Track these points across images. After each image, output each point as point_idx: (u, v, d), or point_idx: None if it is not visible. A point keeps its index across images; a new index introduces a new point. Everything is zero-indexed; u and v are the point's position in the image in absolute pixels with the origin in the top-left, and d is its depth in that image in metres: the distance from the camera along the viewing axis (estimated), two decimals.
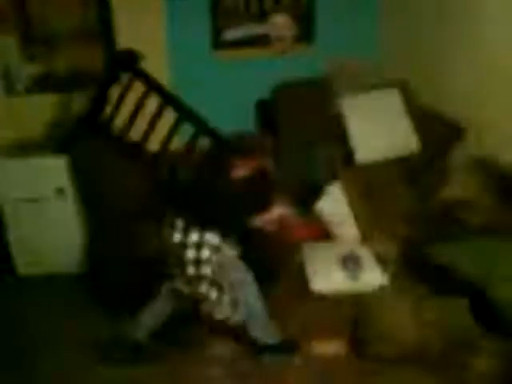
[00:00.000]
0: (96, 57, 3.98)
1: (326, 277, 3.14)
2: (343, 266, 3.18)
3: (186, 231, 2.47)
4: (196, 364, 2.66)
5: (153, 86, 3.35)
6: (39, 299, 3.33)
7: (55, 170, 3.42)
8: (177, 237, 2.49)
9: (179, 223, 2.50)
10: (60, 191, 3.44)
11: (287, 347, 2.64)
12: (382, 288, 3.05)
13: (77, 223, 3.53)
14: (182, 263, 2.47)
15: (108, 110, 3.39)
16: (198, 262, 2.45)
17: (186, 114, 3.41)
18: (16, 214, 3.46)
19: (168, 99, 3.38)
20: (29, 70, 3.85)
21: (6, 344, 2.92)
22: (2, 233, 3.52)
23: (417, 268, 3.07)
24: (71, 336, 2.92)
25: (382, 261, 3.25)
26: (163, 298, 2.66)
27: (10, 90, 3.85)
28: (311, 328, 2.81)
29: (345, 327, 2.74)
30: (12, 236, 3.50)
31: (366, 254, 3.30)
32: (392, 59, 4.29)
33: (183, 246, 2.47)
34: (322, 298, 3.05)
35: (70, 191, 3.46)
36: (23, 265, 3.56)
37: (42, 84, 3.91)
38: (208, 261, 2.45)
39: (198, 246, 2.45)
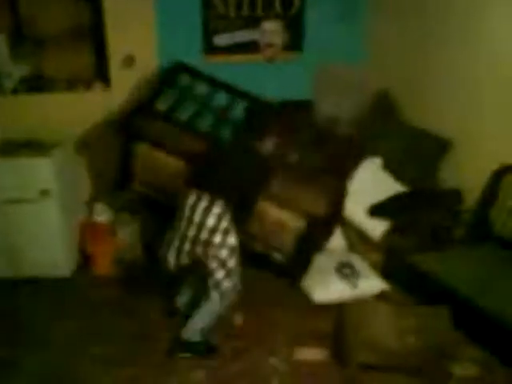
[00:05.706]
0: (85, 59, 3.97)
1: (326, 287, 3.16)
2: (340, 275, 3.21)
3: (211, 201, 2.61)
4: None
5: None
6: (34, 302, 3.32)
7: (41, 170, 3.36)
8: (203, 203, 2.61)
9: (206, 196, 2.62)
10: (44, 192, 3.42)
11: (206, 349, 2.76)
12: (382, 293, 3.12)
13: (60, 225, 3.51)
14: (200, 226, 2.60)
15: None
16: (213, 230, 2.60)
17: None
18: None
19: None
20: (18, 71, 3.76)
21: None
22: None
23: (401, 277, 3.12)
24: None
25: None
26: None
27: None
28: (294, 335, 2.86)
29: (328, 335, 2.79)
30: None
31: (358, 262, 3.34)
32: (378, 68, 4.36)
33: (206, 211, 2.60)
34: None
35: (55, 193, 3.42)
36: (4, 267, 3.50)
37: (30, 84, 3.86)
38: (223, 231, 2.62)
39: (219, 217, 2.60)
